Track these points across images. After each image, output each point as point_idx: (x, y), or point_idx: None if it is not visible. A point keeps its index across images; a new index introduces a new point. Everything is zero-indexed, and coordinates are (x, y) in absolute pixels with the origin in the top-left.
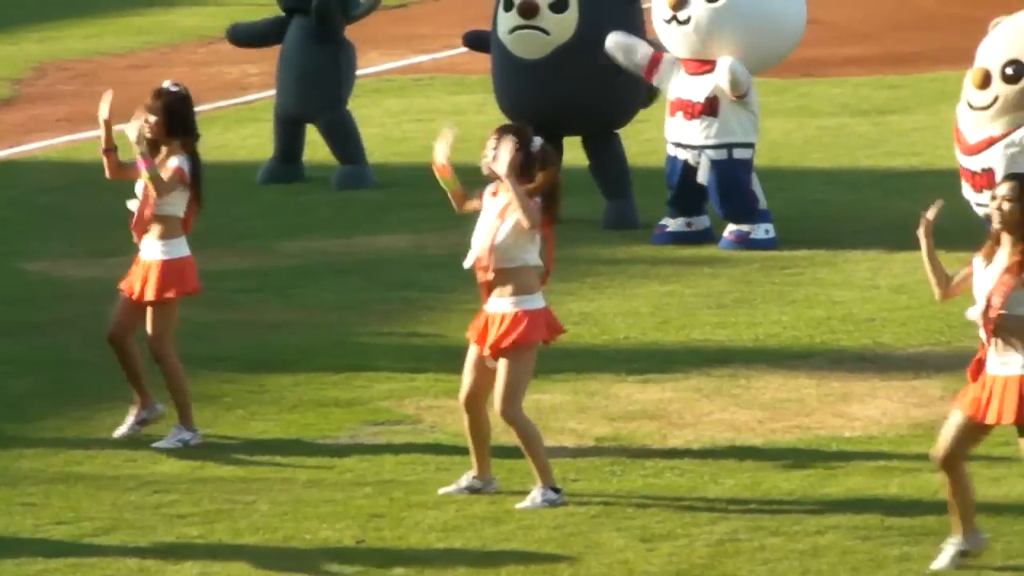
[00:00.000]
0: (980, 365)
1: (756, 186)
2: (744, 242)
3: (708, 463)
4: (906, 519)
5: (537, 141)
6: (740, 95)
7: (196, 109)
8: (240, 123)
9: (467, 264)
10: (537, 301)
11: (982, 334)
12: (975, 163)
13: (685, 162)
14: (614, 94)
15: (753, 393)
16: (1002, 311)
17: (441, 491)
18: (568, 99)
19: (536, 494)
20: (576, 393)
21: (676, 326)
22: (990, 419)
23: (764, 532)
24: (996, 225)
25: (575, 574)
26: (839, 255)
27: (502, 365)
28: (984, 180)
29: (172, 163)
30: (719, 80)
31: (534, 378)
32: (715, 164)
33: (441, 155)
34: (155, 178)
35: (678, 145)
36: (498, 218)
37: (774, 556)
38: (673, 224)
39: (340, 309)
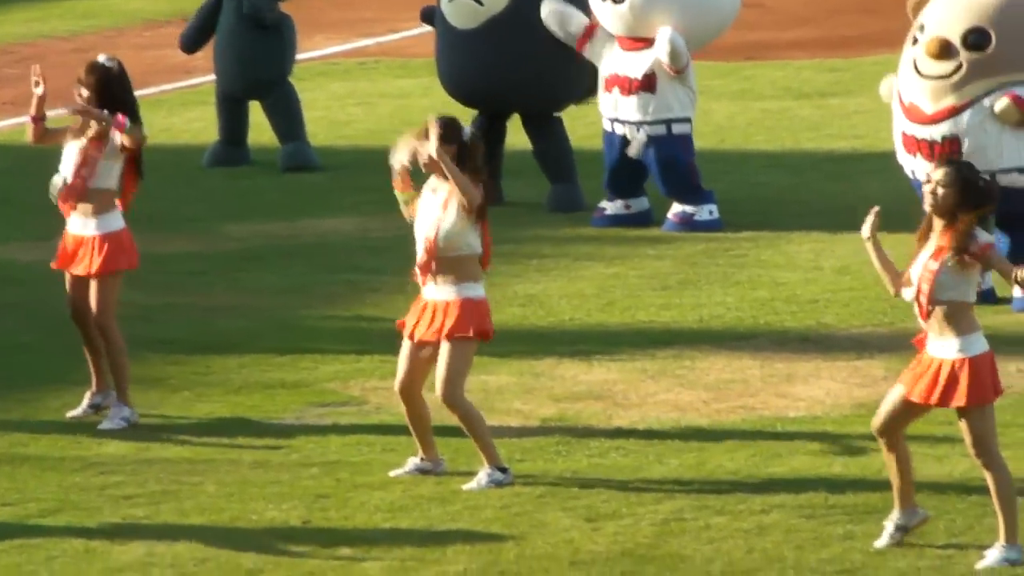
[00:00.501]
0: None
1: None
2: (688, 223)
3: (653, 443)
4: (849, 498)
5: (468, 130)
6: (679, 68)
7: (141, 92)
8: (185, 106)
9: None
10: (480, 290)
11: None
12: (935, 132)
13: (623, 138)
14: (553, 72)
15: (698, 374)
16: (931, 296)
17: (392, 473)
18: (502, 73)
19: (482, 475)
20: (522, 374)
21: (621, 308)
22: (915, 398)
23: (709, 511)
24: (928, 208)
25: (521, 554)
26: (782, 237)
27: (445, 351)
28: (946, 148)
29: (116, 136)
30: (659, 53)
31: (480, 358)
32: (654, 140)
33: (399, 164)
34: (132, 131)
35: (615, 121)
36: (442, 209)
37: (719, 535)
38: (611, 207)
39: (285, 292)
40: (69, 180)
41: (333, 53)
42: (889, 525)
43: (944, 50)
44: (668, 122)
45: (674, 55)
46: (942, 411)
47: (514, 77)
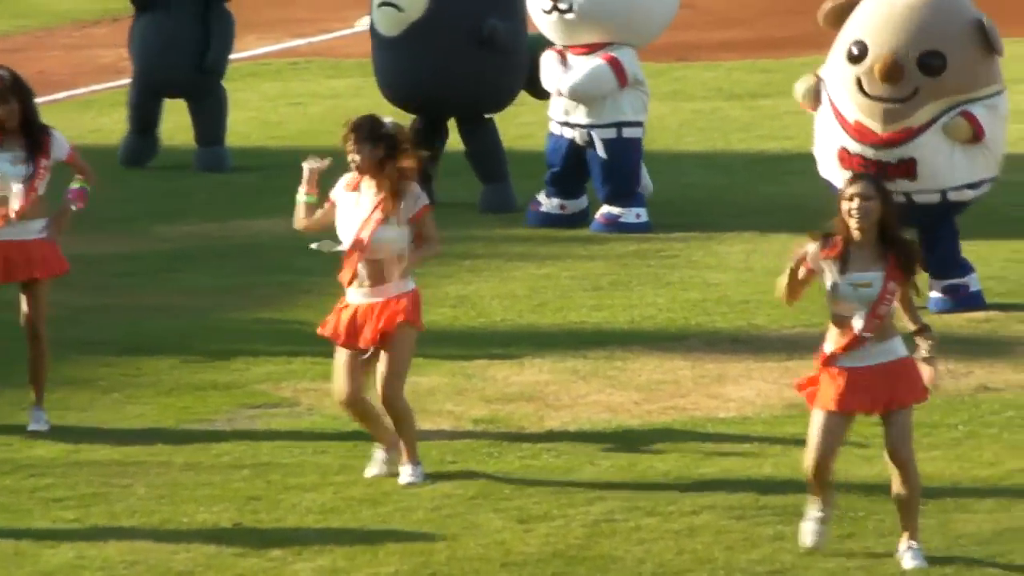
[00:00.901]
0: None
1: (643, 170)
2: (614, 225)
3: (585, 444)
4: (780, 498)
5: (388, 122)
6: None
7: (71, 93)
8: (114, 107)
9: (345, 247)
10: (412, 283)
11: (856, 323)
12: (889, 154)
13: (571, 141)
14: (477, 75)
15: (629, 375)
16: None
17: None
18: (426, 77)
19: (412, 470)
20: (453, 375)
21: (553, 308)
22: (864, 409)
23: (640, 512)
24: (855, 225)
25: (452, 555)
26: (714, 238)
27: (389, 348)
28: (901, 170)
29: (65, 147)
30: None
31: (413, 361)
32: (605, 143)
33: (310, 171)
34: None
35: (565, 124)
36: (377, 211)
37: (650, 536)
38: (547, 204)
39: (217, 293)
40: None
41: (265, 53)
42: (813, 523)
43: (899, 73)
44: (619, 125)
45: (597, 98)
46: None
47: (438, 81)
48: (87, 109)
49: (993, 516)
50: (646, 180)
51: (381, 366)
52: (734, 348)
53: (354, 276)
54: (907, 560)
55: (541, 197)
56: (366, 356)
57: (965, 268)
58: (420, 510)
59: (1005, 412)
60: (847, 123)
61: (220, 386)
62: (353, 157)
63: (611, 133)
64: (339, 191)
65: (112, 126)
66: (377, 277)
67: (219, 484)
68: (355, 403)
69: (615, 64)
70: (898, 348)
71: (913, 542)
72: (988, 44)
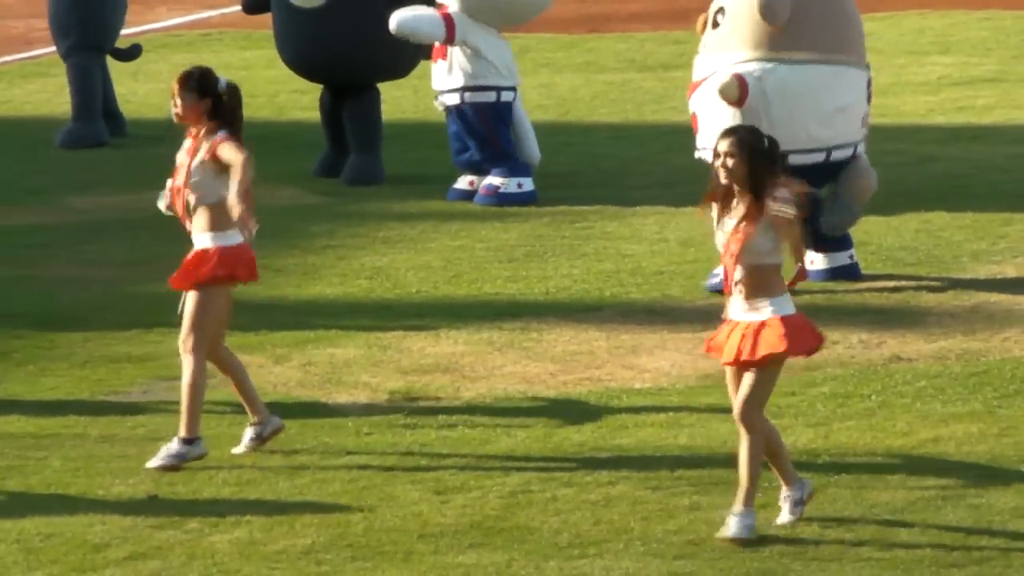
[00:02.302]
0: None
1: (530, 136)
2: (495, 196)
3: (501, 416)
4: (696, 469)
5: (223, 82)
6: (445, 43)
7: None
8: (26, 78)
9: (162, 204)
10: (235, 238)
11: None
12: (690, 105)
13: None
14: (392, 42)
15: (544, 346)
16: (742, 260)
17: (235, 451)
18: (347, 47)
19: (172, 445)
20: (369, 347)
21: (467, 280)
22: (726, 359)
23: (556, 483)
24: (723, 181)
25: (369, 527)
26: (627, 209)
27: (189, 300)
28: (694, 122)
29: None
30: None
31: (327, 331)
32: (452, 109)
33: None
34: None
35: (438, 92)
36: (187, 155)
37: (566, 507)
38: (461, 182)
39: (130, 264)
40: None
41: (176, 24)
42: (785, 502)
43: (703, 26)
44: (462, 90)
45: (421, 37)
46: (785, 381)
47: (359, 50)
48: None
49: (906, 485)
50: (533, 150)
51: (185, 317)
52: (649, 319)
53: (186, 220)
54: (730, 527)
55: (459, 178)
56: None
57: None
58: (337, 482)
59: (917, 382)
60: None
61: (135, 358)
62: (175, 103)
63: (454, 99)
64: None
65: (24, 97)
66: (201, 222)
67: (135, 456)
68: (210, 354)
69: (447, 19)
70: (770, 308)
71: (741, 507)
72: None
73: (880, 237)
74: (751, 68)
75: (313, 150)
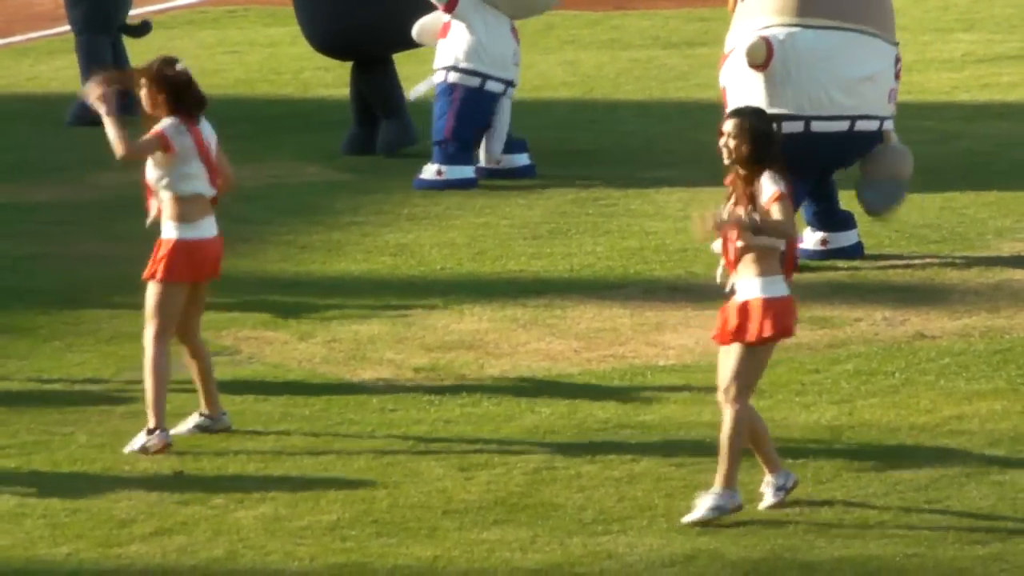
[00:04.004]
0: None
1: (501, 123)
2: (439, 182)
3: (525, 393)
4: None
5: (180, 65)
6: (444, 8)
7: (8, 40)
8: (52, 55)
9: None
10: (175, 232)
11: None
12: (720, 79)
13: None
14: (405, 15)
15: (568, 323)
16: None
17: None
18: (365, 21)
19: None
20: (394, 324)
21: (492, 257)
22: (718, 340)
23: (580, 460)
24: (726, 161)
25: (394, 503)
26: (651, 186)
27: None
28: (723, 96)
29: None
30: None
31: (352, 308)
32: (438, 87)
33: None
34: None
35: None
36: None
37: (590, 483)
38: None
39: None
40: None
41: (202, 1)
42: (767, 487)
43: (735, 2)
44: (448, 69)
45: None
46: (809, 358)
47: (377, 25)
48: (24, 57)
49: (930, 462)
50: (495, 149)
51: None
52: (672, 296)
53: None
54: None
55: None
56: None
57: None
58: (361, 458)
59: (941, 359)
60: None
61: None
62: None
63: (441, 77)
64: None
65: (50, 74)
66: (165, 213)
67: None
68: (181, 336)
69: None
70: (754, 288)
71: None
72: None
73: (904, 214)
74: (776, 32)
75: (338, 127)
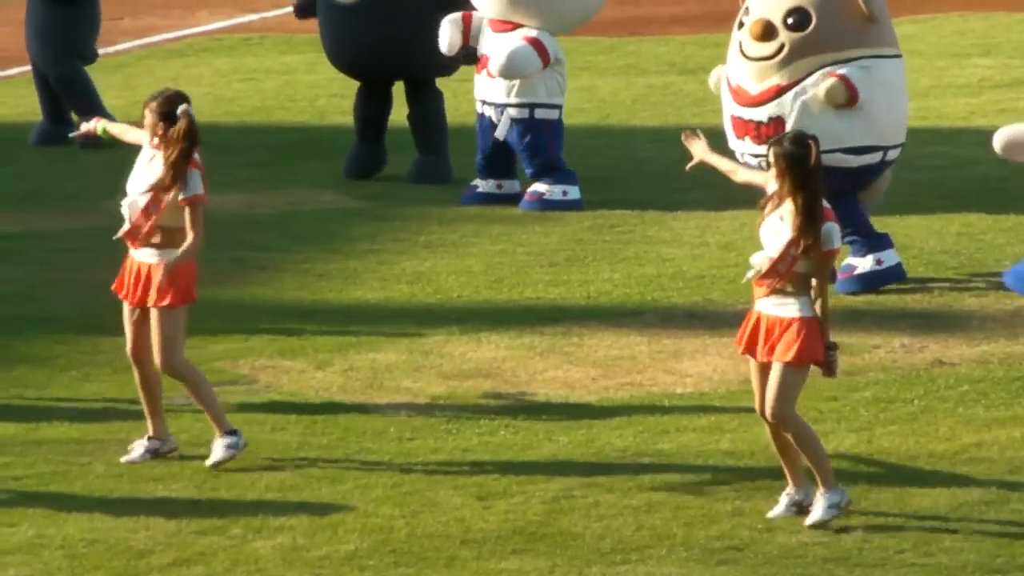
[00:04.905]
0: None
1: (560, 148)
2: (539, 202)
3: (542, 421)
4: (738, 474)
5: (182, 107)
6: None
7: (23, 69)
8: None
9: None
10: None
11: (753, 259)
12: (760, 113)
13: (490, 119)
14: (431, 39)
15: (586, 351)
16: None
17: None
18: (381, 43)
19: (217, 445)
20: (411, 352)
21: (509, 284)
22: (761, 357)
23: (598, 489)
24: (777, 182)
25: (412, 532)
26: (668, 213)
27: (155, 319)
28: (770, 130)
29: None
30: (499, 72)
31: (369, 336)
32: (516, 123)
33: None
34: None
35: (484, 102)
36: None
37: (608, 512)
38: (484, 185)
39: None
40: None
41: (218, 29)
42: (785, 498)
43: (767, 31)
44: (532, 106)
45: (524, 75)
46: (827, 386)
47: (400, 46)
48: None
49: (949, 490)
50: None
51: (153, 339)
52: (690, 324)
53: (133, 239)
54: (813, 513)
55: (476, 180)
56: (136, 316)
57: (873, 244)
58: (379, 487)
59: (960, 387)
60: (731, 88)
61: None
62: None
63: (524, 113)
64: (146, 141)
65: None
66: (160, 239)
67: (178, 462)
68: (136, 358)
69: (537, 45)
70: (804, 307)
71: (822, 490)
72: (860, 6)
73: (922, 240)
74: (856, 66)
75: None
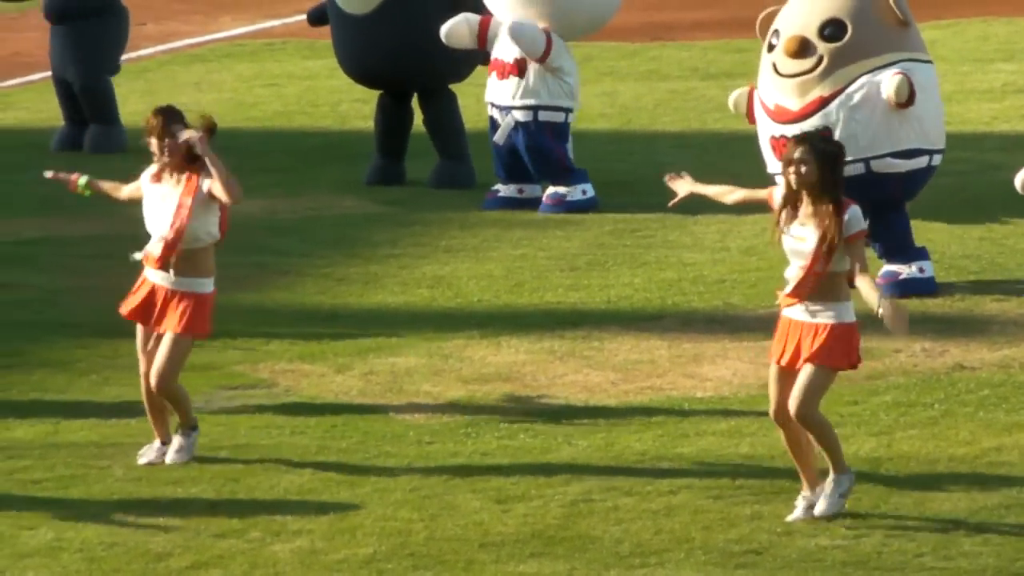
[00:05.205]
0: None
1: (569, 150)
2: (561, 204)
3: (562, 424)
4: (757, 478)
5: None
6: (537, 60)
7: (46, 74)
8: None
9: (141, 256)
10: (210, 285)
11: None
12: (805, 127)
13: (498, 123)
14: (441, 49)
15: (606, 355)
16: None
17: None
18: (393, 53)
19: (180, 442)
20: (431, 356)
21: (529, 288)
22: (784, 361)
23: (617, 492)
24: (795, 187)
25: (430, 536)
26: (689, 218)
27: (168, 342)
28: None
29: None
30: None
31: (388, 340)
32: (521, 125)
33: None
34: None
35: (492, 105)
36: (186, 197)
37: (627, 516)
38: (505, 190)
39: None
40: None
41: (240, 34)
42: (801, 501)
43: (802, 47)
44: (535, 108)
45: (528, 50)
46: (847, 390)
47: (410, 55)
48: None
49: (969, 494)
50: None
51: (158, 359)
52: (710, 328)
53: (162, 265)
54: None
55: (498, 185)
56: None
57: (912, 255)
58: (398, 491)
59: (980, 391)
60: (769, 109)
61: (197, 367)
62: (162, 143)
63: (527, 116)
64: (145, 180)
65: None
66: (185, 265)
67: (196, 465)
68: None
69: (547, 35)
70: (842, 314)
71: (832, 475)
72: (893, 11)
73: (944, 245)
74: (903, 67)
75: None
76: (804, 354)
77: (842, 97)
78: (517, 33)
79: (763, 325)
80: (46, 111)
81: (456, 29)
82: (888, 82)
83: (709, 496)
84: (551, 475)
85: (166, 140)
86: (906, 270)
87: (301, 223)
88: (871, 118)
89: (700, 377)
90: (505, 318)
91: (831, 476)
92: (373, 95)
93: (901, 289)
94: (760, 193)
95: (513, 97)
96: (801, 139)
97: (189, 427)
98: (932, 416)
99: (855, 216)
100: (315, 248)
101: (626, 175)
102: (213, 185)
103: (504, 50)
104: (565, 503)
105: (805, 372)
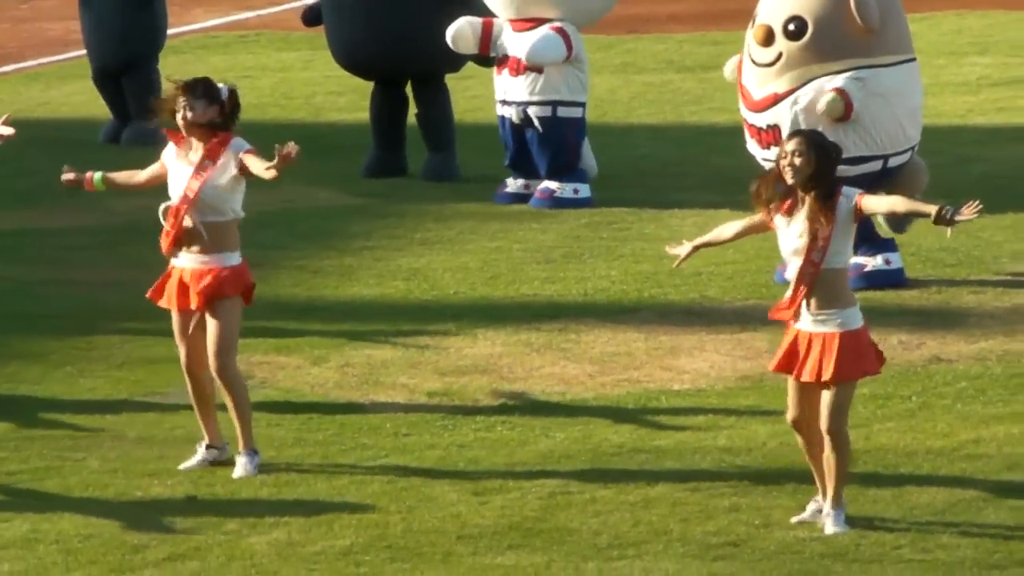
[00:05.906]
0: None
1: (587, 148)
2: (550, 199)
3: (539, 417)
4: (735, 470)
5: (225, 89)
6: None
7: (19, 65)
8: (63, 80)
9: (162, 209)
10: (238, 257)
11: (788, 272)
12: (761, 120)
13: (511, 120)
14: (439, 36)
15: (583, 347)
16: (822, 266)
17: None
18: (388, 39)
19: (245, 460)
20: (407, 348)
21: (505, 281)
22: (806, 377)
23: (595, 484)
24: (790, 181)
25: (408, 528)
26: (665, 211)
27: (218, 313)
28: (770, 137)
29: None
30: (528, 58)
31: (365, 333)
32: (540, 121)
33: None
34: None
35: (504, 103)
36: (207, 160)
37: (605, 508)
38: (512, 185)
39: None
40: None
41: (213, 26)
42: (812, 505)
43: (767, 37)
44: (555, 104)
45: (549, 62)
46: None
47: (404, 44)
48: (35, 82)
49: (946, 487)
50: (590, 161)
51: (209, 340)
52: (687, 320)
53: (175, 244)
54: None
55: (507, 180)
56: (194, 321)
57: (879, 247)
58: (375, 483)
59: (958, 383)
60: (742, 90)
61: (173, 359)
62: (184, 110)
63: (546, 111)
64: (169, 156)
65: (61, 99)
66: (209, 240)
67: (173, 458)
68: (190, 369)
69: (563, 34)
70: (848, 320)
71: (831, 507)
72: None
73: (920, 238)
74: (850, 78)
75: (351, 151)
76: (824, 374)
77: (792, 98)
78: (538, 58)
79: (739, 318)
80: (18, 103)
81: (461, 33)
82: (823, 98)
83: (687, 488)
84: (528, 467)
85: (192, 109)
86: (871, 262)
87: (276, 215)
88: (817, 124)
89: (677, 369)
90: (481, 310)
91: (830, 509)
92: (347, 88)
93: (867, 281)
94: (755, 218)
95: (531, 93)
96: (796, 132)
97: (251, 450)
98: (909, 408)
99: (847, 191)
100: (290, 240)
101: (602, 168)
102: (252, 162)
103: (516, 46)
104: (543, 495)
105: (831, 391)
